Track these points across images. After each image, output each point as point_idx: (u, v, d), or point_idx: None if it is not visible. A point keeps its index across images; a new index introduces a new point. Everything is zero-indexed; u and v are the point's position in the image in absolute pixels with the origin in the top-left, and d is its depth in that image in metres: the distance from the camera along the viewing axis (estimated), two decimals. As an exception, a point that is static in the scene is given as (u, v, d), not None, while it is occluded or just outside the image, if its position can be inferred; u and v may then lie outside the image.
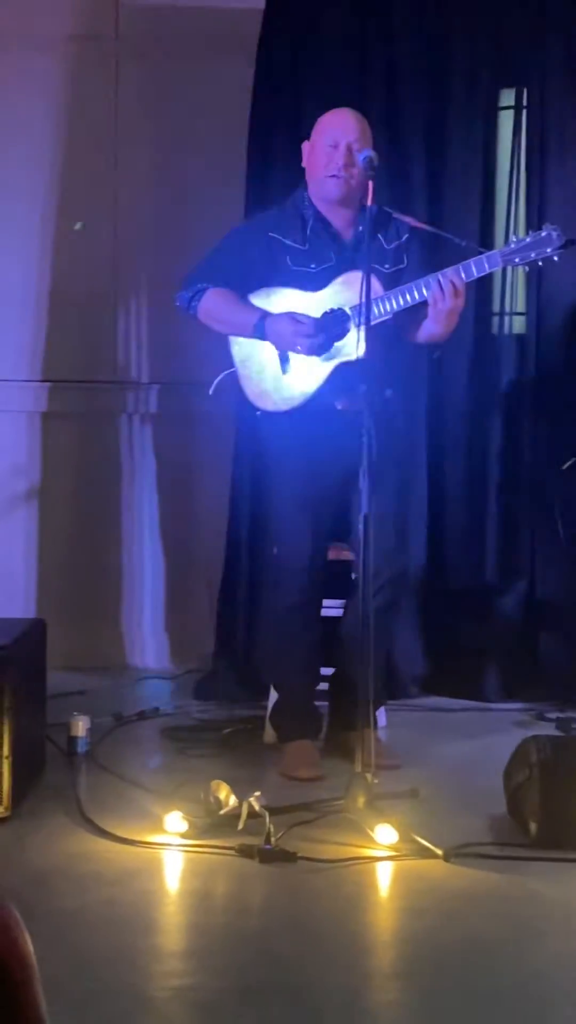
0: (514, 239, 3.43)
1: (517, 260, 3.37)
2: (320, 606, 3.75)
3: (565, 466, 4.34)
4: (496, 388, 4.50)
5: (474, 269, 3.39)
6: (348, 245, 3.58)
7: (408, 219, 3.65)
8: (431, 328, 3.49)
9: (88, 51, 4.75)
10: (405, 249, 3.61)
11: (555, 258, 3.36)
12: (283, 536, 3.68)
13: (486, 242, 4.34)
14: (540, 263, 3.38)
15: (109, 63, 4.79)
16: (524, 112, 4.47)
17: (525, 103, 4.46)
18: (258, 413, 3.68)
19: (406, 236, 3.61)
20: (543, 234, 3.35)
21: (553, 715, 4.17)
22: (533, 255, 3.35)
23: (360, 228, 3.50)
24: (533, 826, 2.98)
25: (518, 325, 4.53)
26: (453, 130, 4.47)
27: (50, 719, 3.62)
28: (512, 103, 4.49)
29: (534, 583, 4.48)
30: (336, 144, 3.50)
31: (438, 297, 3.38)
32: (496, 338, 4.51)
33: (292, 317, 3.48)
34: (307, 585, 3.65)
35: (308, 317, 3.49)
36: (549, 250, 3.34)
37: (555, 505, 4.35)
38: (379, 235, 3.58)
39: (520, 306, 4.51)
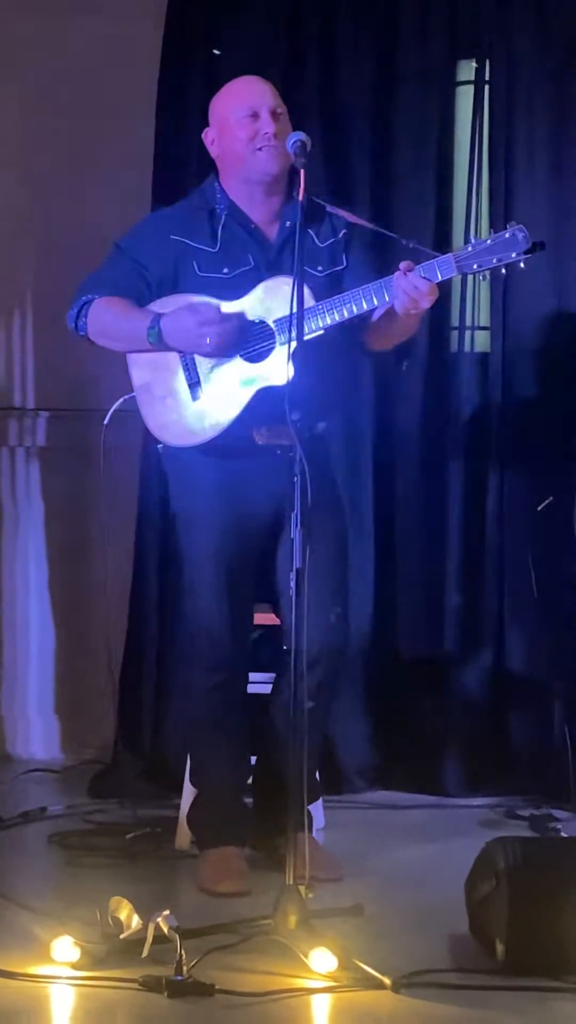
0: (472, 241, 3.45)
1: (476, 266, 3.38)
2: (245, 682, 3.76)
3: (541, 507, 4.39)
4: (456, 416, 4.56)
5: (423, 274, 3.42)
6: (272, 245, 3.60)
7: (344, 213, 3.69)
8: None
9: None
10: (343, 248, 3.64)
11: (521, 264, 3.36)
12: (197, 599, 3.68)
13: (443, 244, 4.41)
14: (504, 270, 3.41)
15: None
16: (486, 87, 4.56)
17: (487, 77, 4.55)
18: (159, 447, 3.70)
19: (343, 232, 3.65)
20: (507, 235, 3.34)
21: (526, 812, 4.20)
22: (495, 260, 3.36)
23: (288, 223, 3.53)
24: (500, 948, 2.98)
25: (481, 342, 4.60)
26: (402, 109, 4.55)
27: None
28: (472, 77, 4.58)
29: (502, 652, 4.53)
30: (256, 113, 3.55)
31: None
32: (456, 357, 4.57)
33: (190, 308, 3.48)
34: (228, 658, 3.66)
35: (209, 305, 3.48)
36: (514, 254, 3.34)
37: (528, 555, 4.41)
38: (310, 231, 3.59)
39: (484, 319, 4.58)
